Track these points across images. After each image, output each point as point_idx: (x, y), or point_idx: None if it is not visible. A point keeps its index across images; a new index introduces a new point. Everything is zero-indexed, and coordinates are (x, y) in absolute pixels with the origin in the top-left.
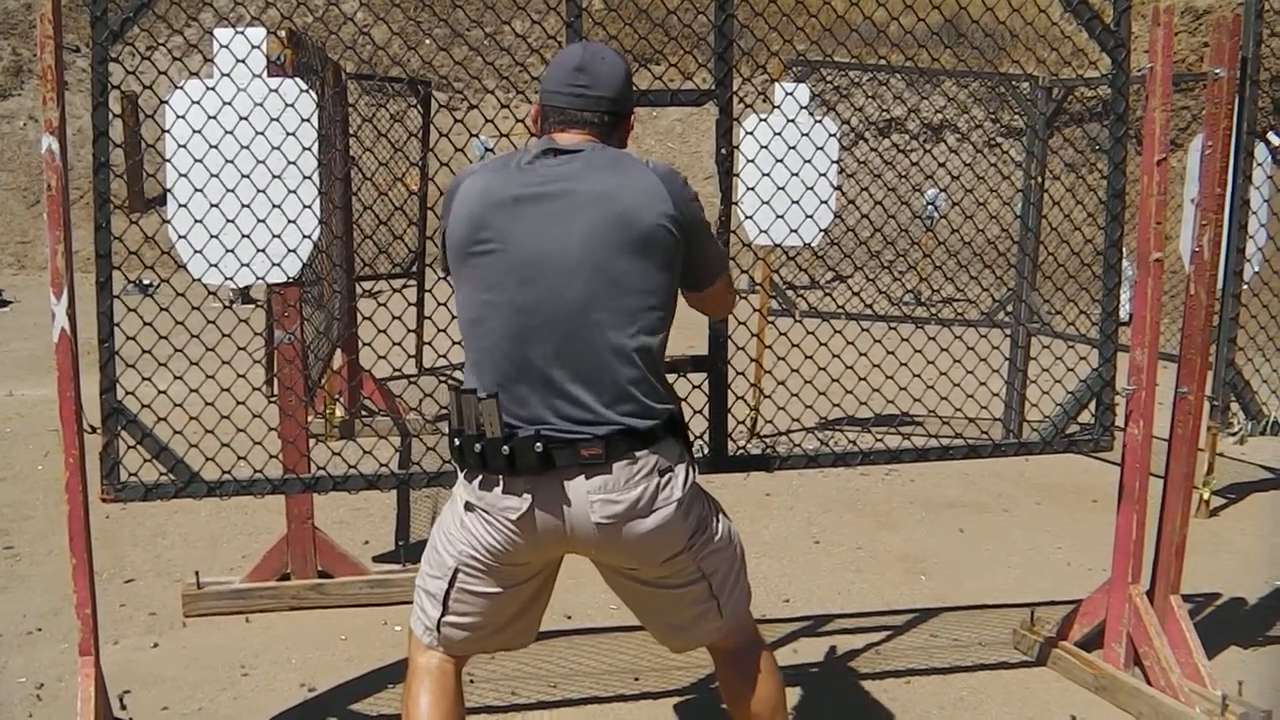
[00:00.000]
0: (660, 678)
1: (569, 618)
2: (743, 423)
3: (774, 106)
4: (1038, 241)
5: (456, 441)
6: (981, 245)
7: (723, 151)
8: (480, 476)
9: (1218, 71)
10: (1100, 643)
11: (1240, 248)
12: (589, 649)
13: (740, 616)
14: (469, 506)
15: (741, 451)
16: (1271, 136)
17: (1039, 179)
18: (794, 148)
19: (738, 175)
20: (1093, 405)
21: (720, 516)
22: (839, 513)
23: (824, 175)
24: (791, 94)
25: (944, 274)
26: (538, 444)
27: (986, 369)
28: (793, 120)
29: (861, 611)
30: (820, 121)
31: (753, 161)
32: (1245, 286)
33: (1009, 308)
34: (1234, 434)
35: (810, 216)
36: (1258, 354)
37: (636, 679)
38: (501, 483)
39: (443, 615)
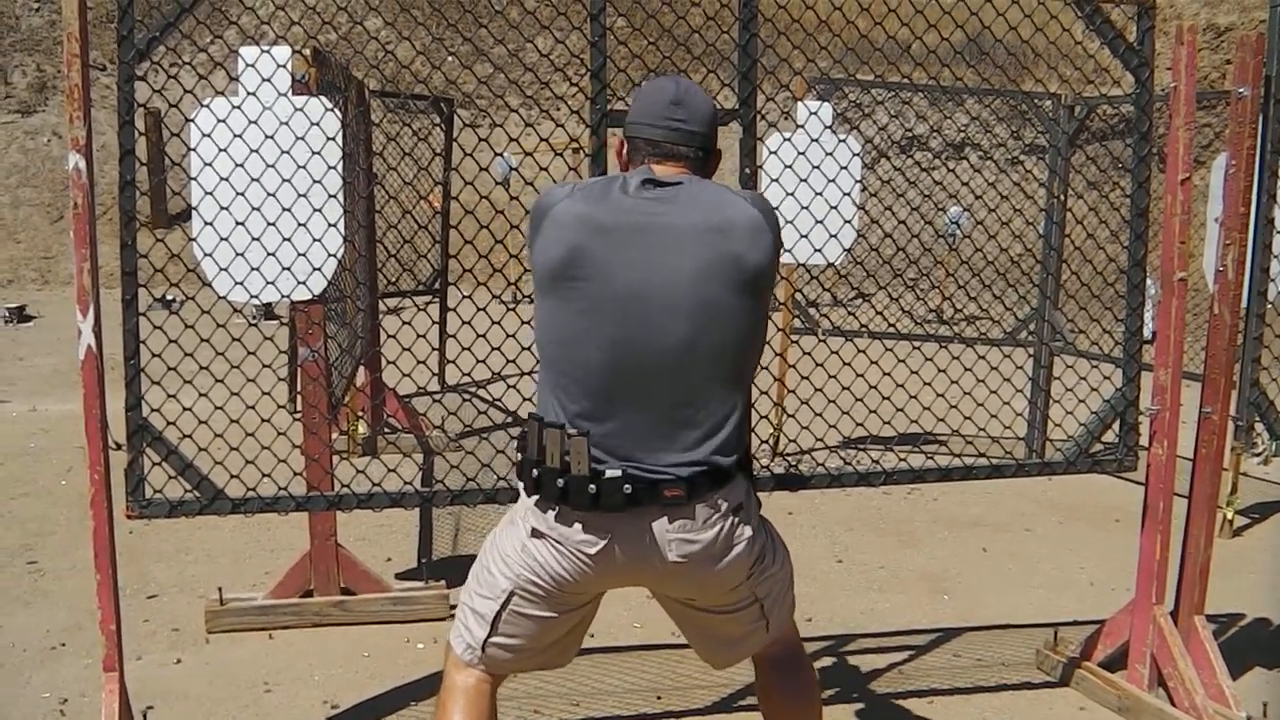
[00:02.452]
0: (682, 697)
1: (592, 635)
2: (765, 442)
3: (797, 125)
4: (1060, 259)
5: (535, 472)
6: (1004, 263)
7: (746, 171)
8: (557, 509)
9: (1241, 90)
10: (1124, 663)
11: (1264, 267)
12: (612, 667)
13: (784, 627)
14: (536, 533)
15: (765, 471)
16: None
17: (1062, 197)
18: (818, 166)
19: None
20: (1116, 425)
21: (777, 542)
22: (861, 532)
23: (847, 194)
24: (815, 113)
25: (967, 293)
26: (626, 485)
27: (1010, 388)
28: (816, 139)
29: (884, 631)
30: (844, 140)
31: (776, 180)
32: (1270, 305)
33: (1032, 326)
34: (1258, 454)
35: (834, 235)
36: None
37: (659, 698)
38: (581, 519)
39: (490, 635)
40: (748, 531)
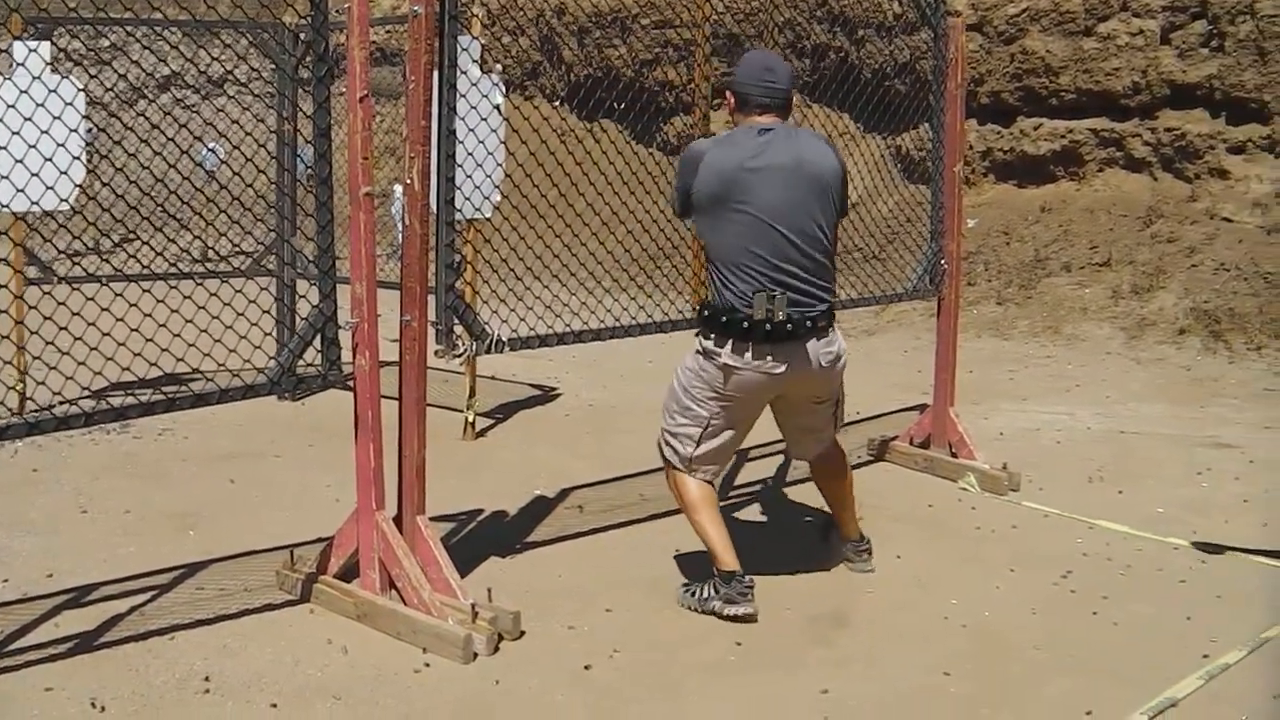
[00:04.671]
0: None
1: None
2: (14, 388)
3: (18, 64)
4: (295, 184)
5: (745, 324)
6: (262, 192)
7: None
8: (749, 348)
9: (416, 9)
10: (359, 572)
11: (450, 176)
12: None
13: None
14: (730, 369)
15: (17, 418)
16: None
17: (293, 123)
18: (43, 105)
19: None
20: (318, 341)
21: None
22: (109, 479)
23: (74, 132)
24: (36, 51)
25: (217, 229)
26: (789, 324)
27: (264, 318)
28: (39, 77)
29: (128, 575)
30: (68, 77)
31: None
32: (458, 213)
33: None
34: (459, 355)
35: (65, 172)
36: (476, 278)
37: None
38: (770, 350)
39: (696, 450)
40: (843, 344)
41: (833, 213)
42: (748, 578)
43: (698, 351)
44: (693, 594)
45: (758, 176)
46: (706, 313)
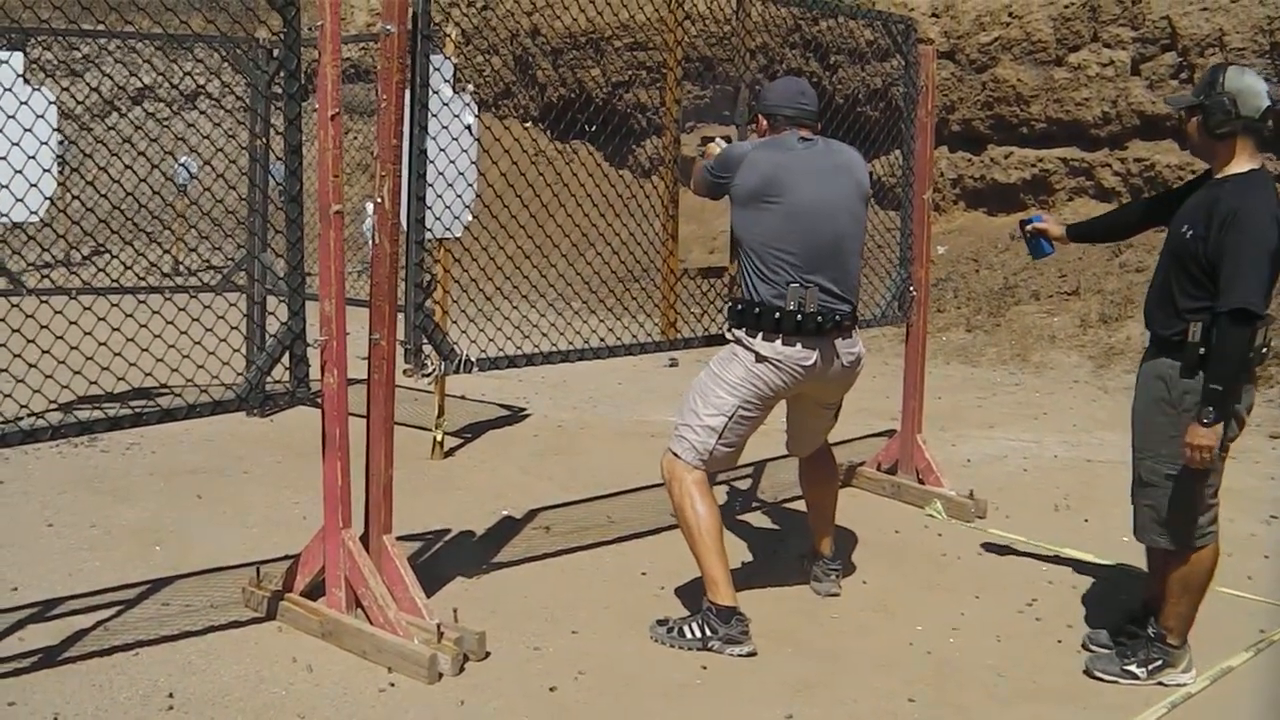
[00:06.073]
0: None
1: None
2: None
3: None
4: (266, 200)
5: (777, 315)
6: (233, 207)
7: None
8: (779, 338)
9: (389, 27)
10: (326, 590)
11: (420, 196)
12: None
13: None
14: (761, 359)
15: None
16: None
17: (265, 139)
18: (13, 117)
19: None
20: (287, 358)
21: None
22: (75, 493)
23: (45, 144)
24: (7, 62)
25: (186, 244)
26: (819, 317)
27: (234, 333)
28: (10, 89)
29: (92, 590)
30: (39, 89)
31: None
32: (428, 231)
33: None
34: (427, 375)
35: (35, 185)
36: (446, 297)
37: None
38: (801, 342)
39: (717, 442)
40: (862, 346)
41: (864, 218)
42: (745, 615)
43: (730, 342)
44: (678, 632)
45: (797, 175)
46: (740, 306)
